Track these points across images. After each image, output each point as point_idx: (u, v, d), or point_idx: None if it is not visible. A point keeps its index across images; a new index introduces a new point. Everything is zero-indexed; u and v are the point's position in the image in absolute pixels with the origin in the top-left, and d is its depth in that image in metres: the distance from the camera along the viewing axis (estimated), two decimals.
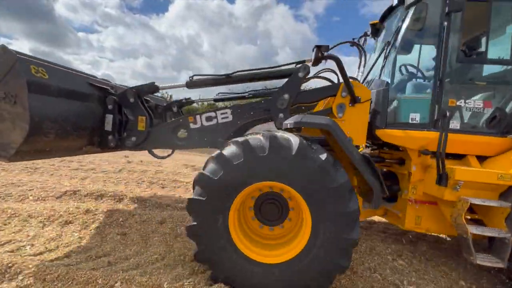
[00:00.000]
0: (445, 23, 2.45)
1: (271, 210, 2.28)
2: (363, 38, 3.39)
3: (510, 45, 2.51)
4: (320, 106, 2.85)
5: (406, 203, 2.71)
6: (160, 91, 2.88)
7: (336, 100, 2.57)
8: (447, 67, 2.50)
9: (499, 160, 2.44)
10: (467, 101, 2.53)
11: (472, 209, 2.45)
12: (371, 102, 2.65)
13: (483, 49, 2.52)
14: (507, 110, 2.47)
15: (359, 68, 3.37)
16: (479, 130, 2.52)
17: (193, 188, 2.05)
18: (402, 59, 2.97)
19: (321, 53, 2.28)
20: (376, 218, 3.82)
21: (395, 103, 2.73)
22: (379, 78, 2.88)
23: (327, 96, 2.68)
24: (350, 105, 2.55)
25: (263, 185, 2.07)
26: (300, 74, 2.58)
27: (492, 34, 2.55)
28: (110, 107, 2.62)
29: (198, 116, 2.67)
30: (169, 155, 3.30)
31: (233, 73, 2.72)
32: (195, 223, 2.00)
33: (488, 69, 2.77)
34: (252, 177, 1.96)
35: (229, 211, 2.00)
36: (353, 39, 3.28)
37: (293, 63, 2.65)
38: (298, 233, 2.14)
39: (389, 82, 2.76)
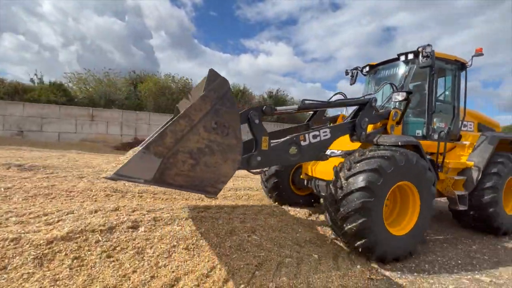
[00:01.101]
0: (431, 78, 3.90)
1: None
2: (355, 71, 4.87)
3: (450, 93, 4.33)
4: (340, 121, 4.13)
5: None
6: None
7: (389, 123, 3.74)
8: (433, 103, 3.93)
9: (452, 154, 4.28)
10: (439, 123, 4.18)
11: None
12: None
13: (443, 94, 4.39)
14: (451, 128, 4.24)
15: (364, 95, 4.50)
16: (443, 139, 3.95)
17: None
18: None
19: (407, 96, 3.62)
20: None
21: (409, 124, 4.09)
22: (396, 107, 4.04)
23: (382, 119, 3.77)
24: (396, 125, 3.80)
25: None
26: (373, 104, 3.57)
27: (446, 86, 4.40)
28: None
29: (307, 135, 3.10)
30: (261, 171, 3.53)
31: (333, 101, 3.59)
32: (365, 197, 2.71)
33: (444, 106, 4.30)
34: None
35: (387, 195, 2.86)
36: (347, 70, 4.98)
37: (362, 96, 3.83)
38: (404, 217, 3.16)
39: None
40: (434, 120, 4.09)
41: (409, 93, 3.66)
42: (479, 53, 4.04)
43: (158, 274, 2.27)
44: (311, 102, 3.24)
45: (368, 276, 2.55)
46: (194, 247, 2.74)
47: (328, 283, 2.37)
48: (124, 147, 12.71)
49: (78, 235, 2.56)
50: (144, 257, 2.46)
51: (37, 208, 3.17)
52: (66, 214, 3.08)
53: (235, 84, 20.40)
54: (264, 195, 5.11)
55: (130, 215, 3.29)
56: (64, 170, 5.38)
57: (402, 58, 4.03)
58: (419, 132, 4.09)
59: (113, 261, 2.34)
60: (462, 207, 3.83)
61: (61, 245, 2.38)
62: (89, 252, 2.36)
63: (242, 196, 5.21)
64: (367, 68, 4.69)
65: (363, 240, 2.69)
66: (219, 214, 3.95)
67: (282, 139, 3.00)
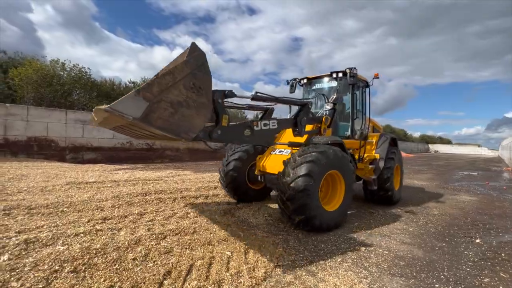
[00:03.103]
0: (353, 92, 5.32)
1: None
2: (294, 82, 5.91)
3: (361, 104, 5.69)
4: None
5: None
6: None
7: (322, 126, 4.73)
8: (354, 111, 5.31)
9: (363, 150, 5.52)
10: (356, 127, 5.46)
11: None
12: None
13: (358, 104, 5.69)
14: (363, 129, 5.59)
15: (310, 105, 5.46)
16: (359, 138, 5.44)
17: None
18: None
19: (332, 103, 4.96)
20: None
21: (338, 127, 5.22)
22: (329, 113, 5.01)
23: (315, 123, 4.70)
24: (327, 128, 4.83)
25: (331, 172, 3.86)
26: (310, 106, 4.50)
27: (359, 99, 5.66)
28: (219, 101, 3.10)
29: (259, 122, 3.68)
30: (221, 147, 3.34)
31: (281, 97, 4.03)
32: (305, 186, 3.43)
33: (359, 114, 5.61)
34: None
35: (321, 182, 3.68)
36: (287, 80, 6.00)
37: (303, 98, 5.36)
38: (334, 198, 4.07)
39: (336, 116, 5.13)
40: (356, 124, 5.41)
41: (335, 103, 4.87)
42: (376, 77, 5.39)
43: None
44: (262, 94, 3.73)
45: (275, 263, 2.75)
46: (85, 268, 2.29)
47: (239, 278, 2.42)
48: None
49: None
50: None
51: None
52: None
53: (147, 79, 18.62)
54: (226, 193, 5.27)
55: None
56: None
57: (334, 75, 5.23)
58: (346, 133, 5.31)
59: None
60: (374, 187, 5.33)
61: None
62: None
63: (152, 201, 4.76)
64: (305, 80, 5.78)
65: (304, 216, 3.48)
66: (122, 224, 3.47)
67: (240, 123, 3.57)
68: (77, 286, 2.07)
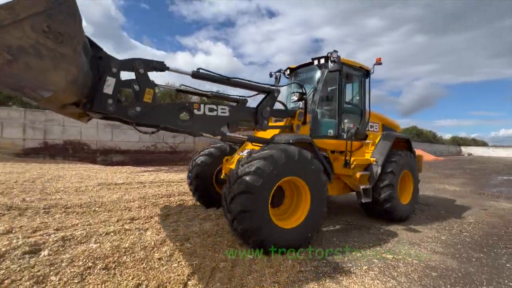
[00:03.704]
0: (340, 82, 4.33)
1: (278, 196, 3.24)
2: (279, 74, 5.02)
3: (357, 97, 4.77)
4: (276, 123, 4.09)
5: None
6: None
7: (295, 122, 3.91)
8: (342, 106, 4.36)
9: (359, 153, 4.69)
10: (348, 124, 4.45)
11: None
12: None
13: (351, 97, 4.78)
14: (359, 128, 4.63)
15: (287, 98, 4.88)
16: (351, 138, 4.36)
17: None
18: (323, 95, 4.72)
19: (302, 98, 3.92)
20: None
21: (320, 124, 4.31)
22: (310, 107, 4.23)
23: (287, 116, 3.96)
24: (302, 125, 3.96)
25: (290, 179, 3.06)
26: (275, 95, 3.63)
27: (354, 91, 4.83)
28: (114, 70, 2.39)
29: (202, 105, 3.04)
30: (153, 132, 2.98)
31: (233, 78, 3.26)
32: (246, 202, 2.71)
33: (353, 108, 4.71)
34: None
35: (271, 193, 2.85)
36: (271, 72, 5.07)
37: (270, 85, 3.69)
38: (296, 211, 3.25)
39: (316, 111, 4.30)
40: (345, 121, 4.42)
41: (303, 94, 3.89)
42: (378, 62, 4.44)
43: None
44: (207, 72, 3.06)
45: (298, 269, 2.70)
46: (115, 266, 2.41)
47: (261, 282, 2.41)
48: (28, 153, 10.50)
49: None
50: (46, 287, 2.03)
51: None
52: None
53: (171, 83, 19.31)
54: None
55: (28, 238, 2.69)
56: None
57: (316, 62, 4.32)
58: (331, 132, 4.31)
59: None
60: (365, 200, 4.18)
61: None
62: None
63: (176, 202, 4.91)
64: (288, 71, 4.89)
65: (242, 226, 2.73)
66: (148, 224, 3.61)
67: (174, 102, 3.08)
68: (108, 282, 2.18)
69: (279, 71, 5.02)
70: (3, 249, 2.37)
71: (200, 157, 4.56)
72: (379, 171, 4.28)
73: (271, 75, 5.08)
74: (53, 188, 5.40)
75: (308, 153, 3.16)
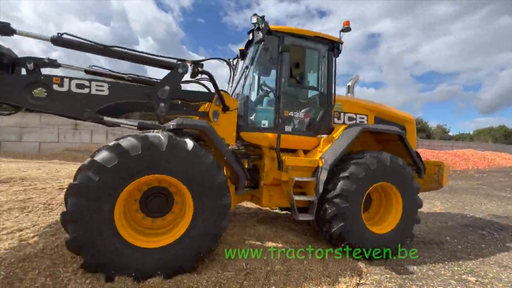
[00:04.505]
0: (280, 59, 3.30)
1: (157, 203, 2.49)
2: (236, 60, 4.03)
3: (316, 77, 3.68)
4: (202, 108, 3.16)
5: (263, 187, 3.43)
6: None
7: (211, 108, 3.03)
8: (283, 89, 3.34)
9: (313, 152, 3.48)
10: (295, 113, 3.46)
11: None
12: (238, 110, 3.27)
13: (304, 79, 3.84)
14: (317, 119, 3.54)
15: (229, 82, 3.98)
16: (302, 132, 3.48)
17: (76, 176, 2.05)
18: (258, 79, 4.03)
19: (196, 69, 2.90)
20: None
21: (253, 113, 3.52)
22: (242, 93, 3.52)
23: (204, 100, 3.09)
24: (222, 112, 3.07)
25: (155, 178, 2.29)
26: (180, 71, 2.82)
27: (308, 70, 3.80)
28: None
29: (67, 80, 2.47)
30: (10, 113, 2.67)
31: (112, 46, 2.62)
32: (73, 209, 1.98)
33: (306, 92, 3.88)
34: (150, 168, 2.19)
35: (117, 199, 2.11)
36: (228, 59, 3.95)
37: (175, 58, 2.86)
38: (179, 223, 2.44)
39: (249, 96, 3.52)
40: (292, 109, 3.44)
41: (199, 72, 2.98)
42: (346, 27, 3.43)
43: None
44: (71, 37, 2.52)
45: (357, 281, 2.52)
46: None
47: None
48: None
49: (53, 251, 2.41)
50: None
51: (11, 223, 2.98)
52: (43, 229, 2.91)
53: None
54: None
55: None
56: (44, 182, 5.13)
57: (250, 36, 3.37)
58: (265, 123, 3.36)
59: None
60: (303, 217, 3.03)
61: (35, 263, 2.22)
62: (64, 269, 2.21)
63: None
64: (239, 54, 3.98)
65: (69, 235, 2.03)
66: None
67: (22, 75, 2.46)
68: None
69: (237, 57, 4.04)
70: None
71: None
72: (325, 176, 3.03)
73: (227, 63, 3.96)
74: None
75: (190, 145, 2.29)
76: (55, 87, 2.44)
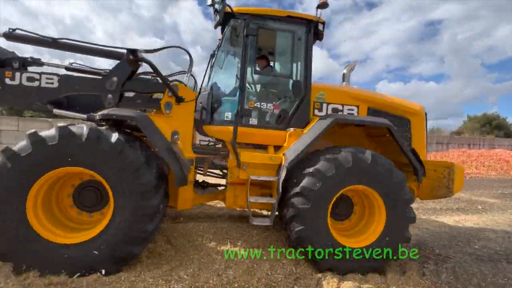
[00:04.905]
0: (245, 44, 3.05)
1: (90, 197, 2.47)
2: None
3: (290, 64, 3.43)
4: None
5: (228, 186, 3.17)
6: None
7: (163, 99, 2.90)
8: (247, 77, 3.12)
9: (282, 148, 3.08)
10: (262, 104, 3.19)
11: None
12: (200, 102, 3.16)
13: (272, 65, 3.60)
14: (289, 111, 3.20)
15: (186, 73, 3.48)
16: (271, 125, 3.19)
17: None
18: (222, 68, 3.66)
19: (132, 57, 2.70)
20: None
21: (216, 104, 3.27)
22: (207, 83, 3.42)
23: (157, 91, 2.97)
24: (176, 103, 2.90)
25: (82, 171, 2.22)
26: (134, 57, 2.72)
27: (281, 55, 3.58)
28: None
29: (18, 73, 2.58)
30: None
31: (61, 38, 2.69)
32: None
33: (278, 81, 3.52)
34: (77, 161, 2.11)
35: (30, 189, 2.07)
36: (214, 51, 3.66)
37: (125, 48, 2.76)
38: (101, 220, 2.33)
39: (213, 87, 3.36)
40: (260, 100, 3.20)
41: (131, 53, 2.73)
42: (323, 2, 3.04)
43: None
44: (24, 33, 2.60)
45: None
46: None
47: None
48: None
49: None
50: None
51: None
52: None
53: None
54: None
55: None
56: None
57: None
58: (228, 115, 3.13)
59: None
60: (257, 222, 2.76)
61: None
62: None
63: None
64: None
65: None
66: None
67: None
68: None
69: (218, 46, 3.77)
70: None
71: None
72: (284, 175, 2.73)
73: (187, 52, 3.41)
74: None
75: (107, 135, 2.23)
76: (7, 80, 2.56)
